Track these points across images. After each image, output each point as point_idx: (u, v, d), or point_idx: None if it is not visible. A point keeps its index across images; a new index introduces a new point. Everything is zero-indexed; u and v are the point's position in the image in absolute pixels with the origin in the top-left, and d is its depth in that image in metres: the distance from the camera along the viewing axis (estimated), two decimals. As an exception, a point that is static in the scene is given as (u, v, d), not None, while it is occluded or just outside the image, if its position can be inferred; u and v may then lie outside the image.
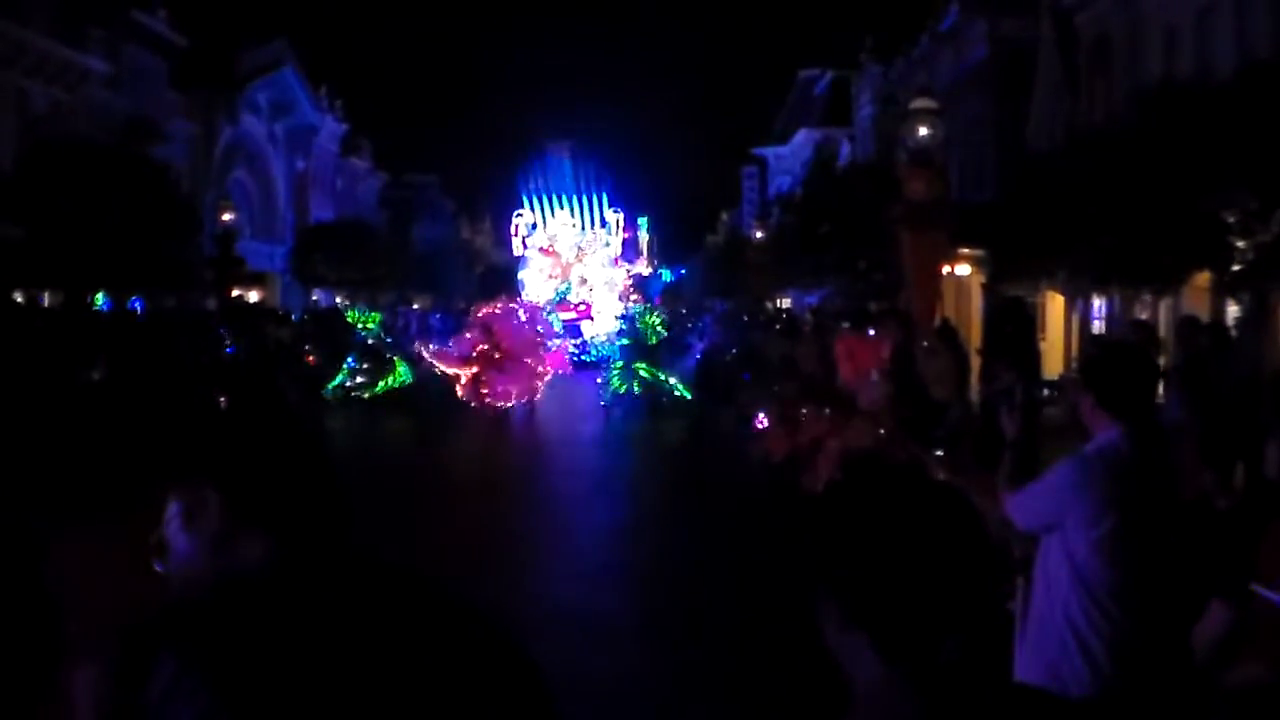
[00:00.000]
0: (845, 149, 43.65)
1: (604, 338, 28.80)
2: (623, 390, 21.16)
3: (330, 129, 47.75)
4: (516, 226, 39.66)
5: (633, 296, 35.70)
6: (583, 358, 27.33)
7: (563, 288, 33.15)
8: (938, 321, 15.61)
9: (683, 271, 60.13)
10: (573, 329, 30.15)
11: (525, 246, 39.02)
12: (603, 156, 42.73)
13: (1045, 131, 24.10)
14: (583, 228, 38.70)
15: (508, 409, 20.28)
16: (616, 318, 26.58)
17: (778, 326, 24.37)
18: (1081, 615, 3.44)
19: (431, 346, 21.62)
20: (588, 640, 7.19)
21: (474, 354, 20.01)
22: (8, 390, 12.68)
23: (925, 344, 12.99)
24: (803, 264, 27.71)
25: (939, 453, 10.45)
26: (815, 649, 1.62)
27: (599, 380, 22.19)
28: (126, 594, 2.63)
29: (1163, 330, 15.25)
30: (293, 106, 43.10)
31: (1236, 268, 12.77)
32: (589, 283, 36.73)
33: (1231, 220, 12.62)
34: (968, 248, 20.35)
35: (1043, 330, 21.38)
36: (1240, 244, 12.58)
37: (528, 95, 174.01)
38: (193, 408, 14.60)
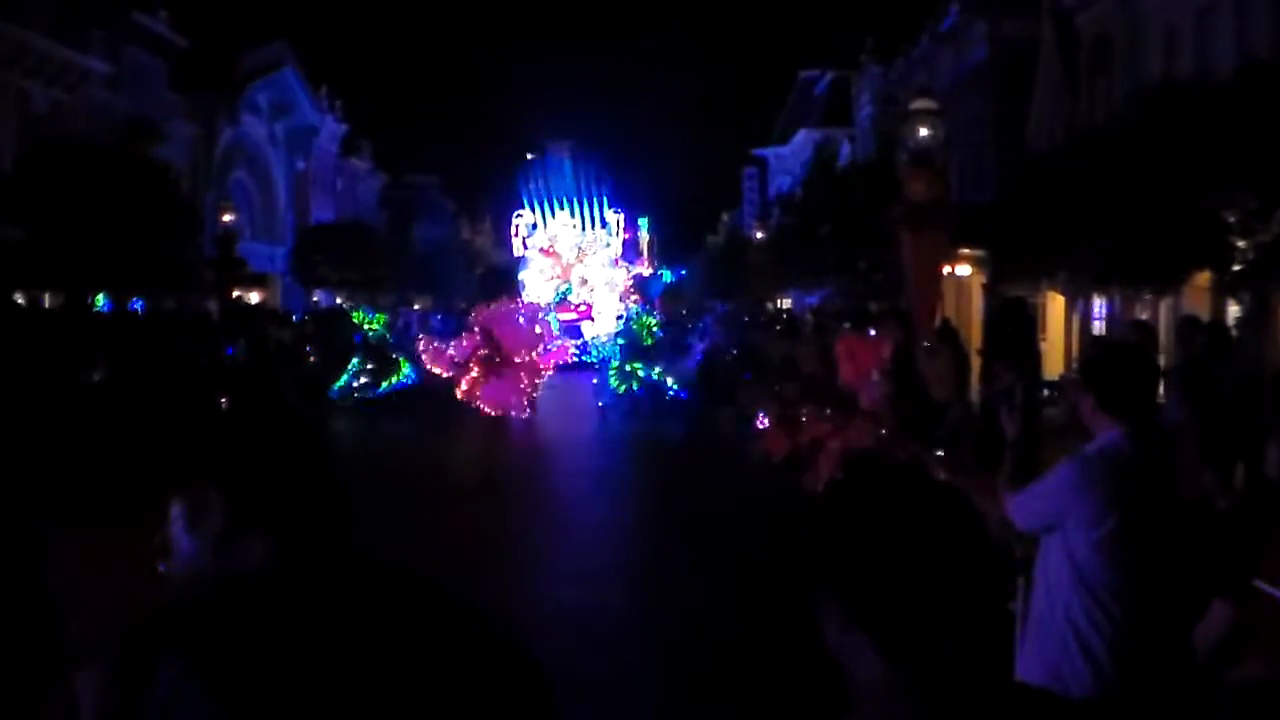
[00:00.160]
0: (845, 149, 43.64)
1: (604, 338, 28.84)
2: (621, 390, 21.22)
3: (330, 130, 47.76)
4: (517, 227, 39.66)
5: (633, 297, 35.71)
6: (583, 358, 27.36)
7: (563, 288, 33.15)
8: (938, 322, 15.62)
9: (683, 272, 60.12)
10: (573, 330, 30.15)
11: (525, 247, 39.03)
12: (603, 157, 42.91)
13: (1045, 131, 24.11)
14: (583, 228, 38.68)
15: (510, 410, 20.28)
16: (616, 318, 26.63)
17: (778, 327, 24.40)
18: (1083, 615, 3.44)
19: (434, 344, 21.65)
20: (588, 640, 7.19)
21: (473, 357, 20.03)
22: (8, 391, 12.68)
23: (926, 344, 13.00)
24: (803, 264, 27.71)
25: (939, 453, 10.47)
26: (815, 649, 1.62)
27: (594, 381, 22.26)
28: (128, 595, 2.63)
29: (1163, 330, 15.26)
30: (293, 107, 43.11)
31: (1236, 268, 12.77)
32: (589, 283, 36.73)
33: (1231, 220, 12.62)
34: (968, 248, 20.35)
35: (1043, 330, 21.39)
36: (1240, 244, 12.58)
37: (528, 95, 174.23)
38: (194, 409, 14.60)
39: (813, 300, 32.26)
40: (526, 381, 20.53)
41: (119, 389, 14.98)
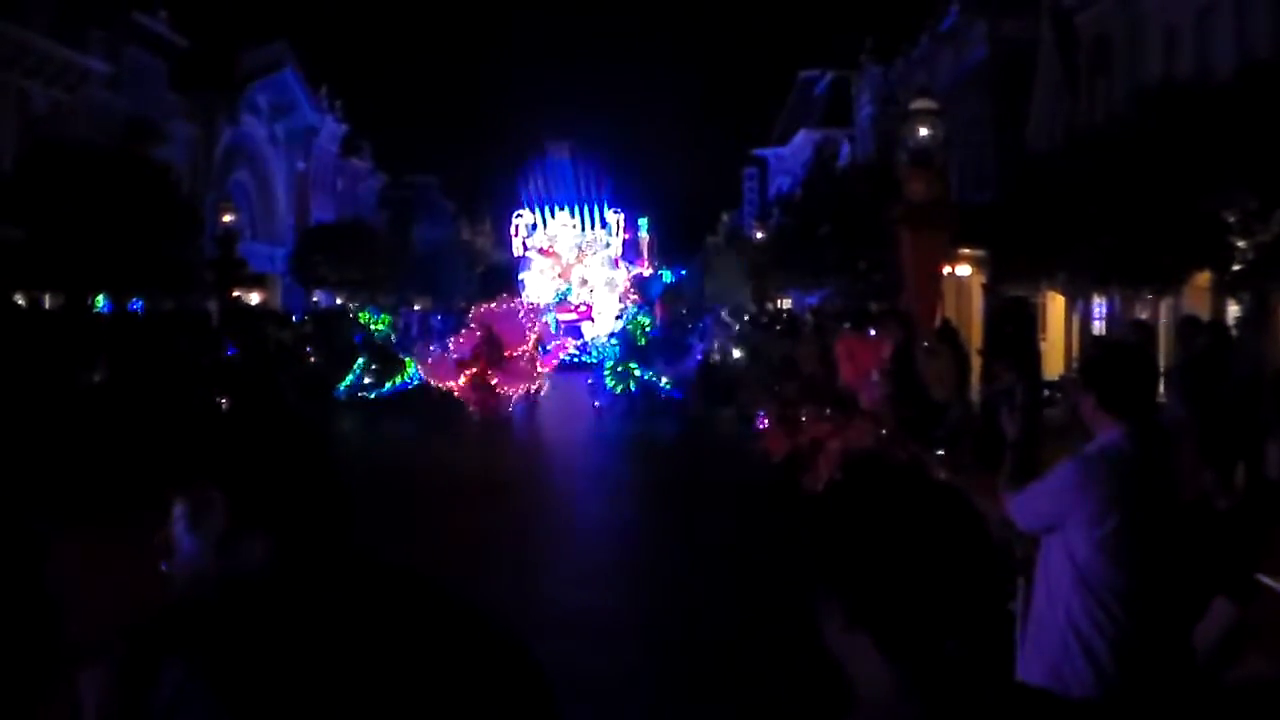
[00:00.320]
0: (845, 149, 43.65)
1: (604, 339, 28.87)
2: (619, 390, 21.27)
3: (330, 130, 47.76)
4: (516, 227, 39.66)
5: (632, 296, 35.71)
6: (583, 358, 27.38)
7: (563, 288, 33.13)
8: (938, 322, 15.61)
9: (683, 272, 60.12)
10: (573, 330, 30.16)
11: (525, 247, 39.02)
12: (603, 157, 42.82)
13: (1045, 132, 24.10)
14: (583, 228, 38.68)
15: (509, 410, 20.30)
16: (615, 318, 26.69)
17: (778, 327, 24.41)
18: (1083, 616, 3.44)
19: (432, 348, 21.66)
20: (588, 640, 7.19)
21: (473, 355, 20.04)
22: (9, 392, 12.68)
23: (926, 344, 13.00)
24: (803, 265, 27.70)
25: (939, 453, 10.47)
26: (815, 649, 1.62)
27: (589, 381, 22.30)
28: (129, 595, 2.63)
29: (1162, 330, 15.26)
30: (293, 107, 43.10)
31: (1236, 268, 12.76)
32: (589, 284, 36.72)
33: (1231, 220, 12.61)
34: (968, 248, 20.33)
35: (1043, 330, 21.38)
36: (1240, 244, 12.57)
37: (528, 95, 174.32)
38: (195, 409, 14.60)
39: (812, 300, 32.26)
40: (526, 379, 20.56)
41: (119, 390, 14.98)
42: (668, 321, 36.02)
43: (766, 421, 15.34)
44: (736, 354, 24.09)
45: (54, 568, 2.19)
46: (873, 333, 13.98)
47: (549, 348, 21.82)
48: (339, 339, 23.93)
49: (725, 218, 69.32)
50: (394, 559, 1.70)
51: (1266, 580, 3.90)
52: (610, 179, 39.89)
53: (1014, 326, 14.26)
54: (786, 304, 39.52)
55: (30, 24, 25.98)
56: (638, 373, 21.38)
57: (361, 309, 28.24)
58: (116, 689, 1.55)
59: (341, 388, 22.08)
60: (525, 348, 20.54)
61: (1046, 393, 15.02)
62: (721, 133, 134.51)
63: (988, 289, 20.95)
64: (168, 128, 32.48)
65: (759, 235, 40.19)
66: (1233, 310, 14.60)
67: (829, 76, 50.41)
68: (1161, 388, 9.00)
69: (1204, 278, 14.39)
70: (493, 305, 22.00)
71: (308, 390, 20.69)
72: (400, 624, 1.61)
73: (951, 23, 30.85)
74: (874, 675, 1.53)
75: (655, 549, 10.37)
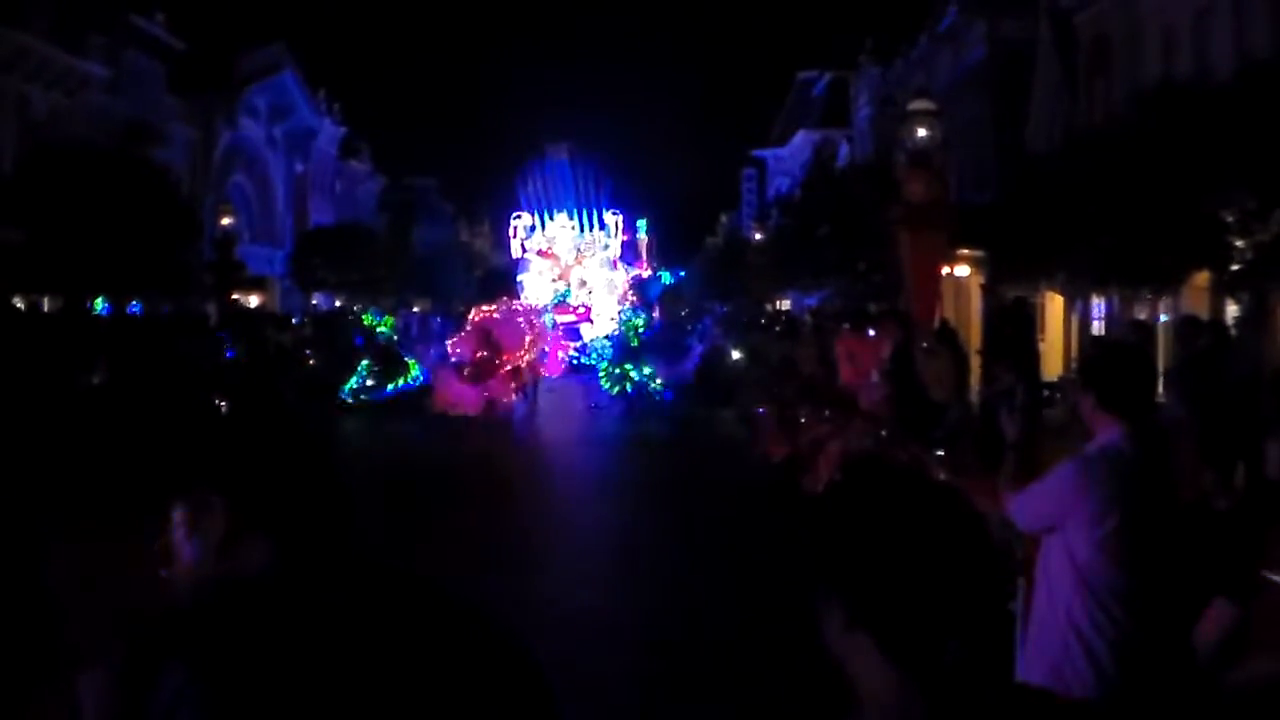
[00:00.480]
0: (844, 150, 43.65)
1: (603, 340, 28.88)
2: (614, 391, 21.32)
3: (329, 132, 47.75)
4: (515, 229, 39.63)
5: (630, 297, 35.70)
6: (582, 360, 27.39)
7: (562, 290, 33.11)
8: (937, 323, 15.62)
9: (682, 273, 60.11)
10: (572, 332, 30.15)
11: (524, 249, 39.00)
12: (602, 158, 42.78)
13: (1044, 132, 24.11)
14: (582, 230, 38.66)
15: (509, 411, 20.31)
16: (612, 320, 26.74)
17: (777, 328, 24.41)
18: (1084, 616, 3.44)
19: (431, 352, 21.72)
20: (588, 640, 7.19)
21: (473, 360, 20.06)
22: (8, 394, 12.68)
23: (925, 345, 13.00)
24: (802, 265, 27.70)
25: (939, 453, 10.46)
26: (815, 649, 1.62)
27: (588, 383, 22.36)
28: (128, 598, 2.63)
29: (1161, 330, 15.26)
30: (291, 110, 43.09)
31: (1236, 267, 12.76)
32: (588, 285, 36.70)
33: (1231, 220, 12.61)
34: (967, 249, 20.33)
35: (1042, 331, 21.39)
36: (1240, 244, 12.57)
37: (527, 97, 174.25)
38: (194, 412, 14.59)
39: (811, 301, 32.26)
40: (525, 380, 20.58)
41: (118, 392, 14.97)
42: (666, 322, 36.06)
43: (766, 422, 15.35)
44: (735, 355, 24.09)
45: (54, 569, 2.18)
46: (872, 333, 13.99)
47: (548, 350, 21.84)
48: (340, 341, 23.93)
49: (724, 219, 69.34)
50: (394, 560, 1.70)
51: (1272, 576, 3.89)
52: (609, 180, 39.89)
53: (1013, 327, 14.29)
54: (786, 305, 39.53)
55: (29, 28, 25.99)
56: (633, 374, 21.43)
57: (364, 311, 28.27)
58: (115, 692, 1.55)
59: (345, 390, 22.11)
60: (523, 352, 20.57)
61: (1046, 393, 15.03)
62: (720, 134, 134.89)
63: (987, 289, 20.95)
64: (166, 130, 32.47)
65: (758, 236, 40.19)
66: (1232, 310, 14.60)
67: (827, 77, 50.41)
68: (1161, 388, 9.01)
69: (1203, 277, 14.39)
70: (491, 308, 22.00)
71: (307, 392, 20.69)
72: (401, 626, 1.61)
73: (950, 23, 30.86)
74: (874, 676, 1.53)
75: (655, 549, 10.36)
